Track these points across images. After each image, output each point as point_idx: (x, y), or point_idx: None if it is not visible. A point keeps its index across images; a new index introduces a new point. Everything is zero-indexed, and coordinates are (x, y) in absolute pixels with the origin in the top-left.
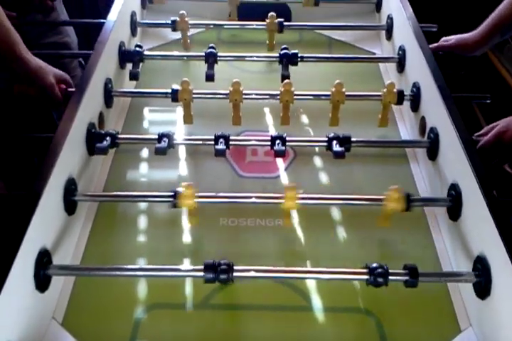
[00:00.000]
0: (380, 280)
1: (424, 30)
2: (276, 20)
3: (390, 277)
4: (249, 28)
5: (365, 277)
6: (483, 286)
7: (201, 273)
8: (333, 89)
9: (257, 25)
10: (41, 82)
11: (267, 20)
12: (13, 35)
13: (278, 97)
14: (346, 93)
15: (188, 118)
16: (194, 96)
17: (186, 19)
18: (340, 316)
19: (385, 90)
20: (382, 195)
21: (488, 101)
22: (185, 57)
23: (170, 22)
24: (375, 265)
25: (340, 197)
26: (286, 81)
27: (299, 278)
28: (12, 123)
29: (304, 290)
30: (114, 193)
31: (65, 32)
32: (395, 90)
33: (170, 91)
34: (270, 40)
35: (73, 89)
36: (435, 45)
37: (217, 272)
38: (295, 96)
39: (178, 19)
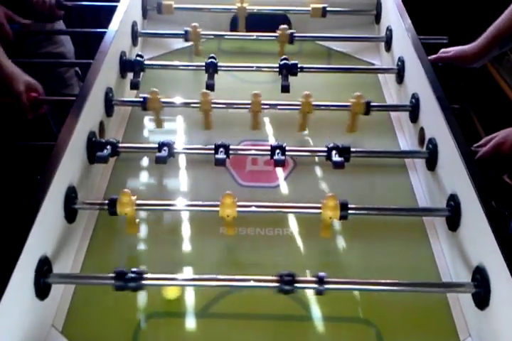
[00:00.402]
0: (287, 287)
1: (435, 42)
2: (287, 32)
3: (298, 285)
4: (258, 39)
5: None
6: (482, 297)
7: (201, 283)
8: (354, 100)
9: (267, 36)
10: (11, 88)
11: (279, 32)
12: None
13: (278, 107)
14: (344, 103)
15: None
16: (194, 106)
17: (198, 30)
18: (339, 326)
19: (353, 100)
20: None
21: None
22: (185, 67)
23: (183, 32)
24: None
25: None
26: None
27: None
28: (9, 130)
29: (304, 300)
30: None
31: (60, 42)
32: (362, 101)
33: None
34: (281, 50)
35: (47, 98)
36: (434, 56)
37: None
38: (293, 107)
39: (190, 30)
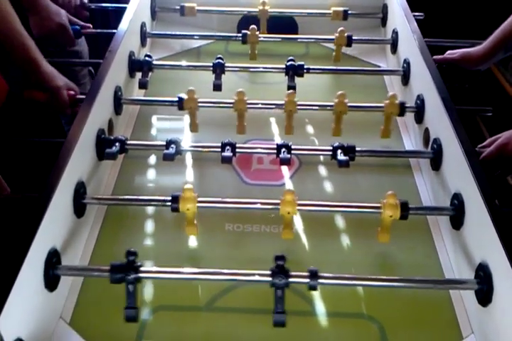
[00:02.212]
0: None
1: (440, 44)
2: (345, 34)
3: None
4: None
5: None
6: (485, 294)
7: (206, 276)
8: (336, 100)
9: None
10: (50, 85)
11: (336, 35)
12: (28, 40)
13: (283, 107)
14: (349, 104)
15: (193, 127)
16: (200, 105)
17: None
18: (343, 321)
19: (387, 102)
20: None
21: (490, 114)
22: (193, 68)
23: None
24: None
25: (341, 204)
26: (290, 91)
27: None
28: (21, 127)
29: (308, 295)
30: (123, 197)
31: (75, 41)
32: (397, 102)
33: (176, 99)
34: (337, 53)
35: (82, 97)
36: (439, 57)
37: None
38: (300, 107)
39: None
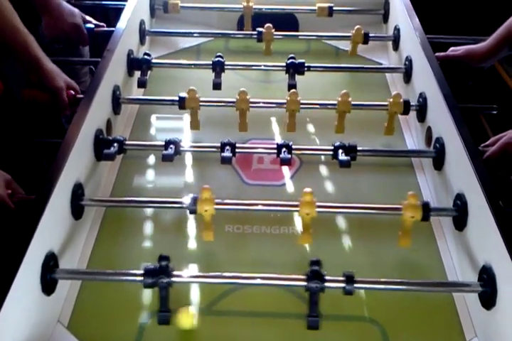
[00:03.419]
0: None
1: (443, 41)
2: (362, 31)
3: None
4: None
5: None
6: (488, 296)
7: (207, 280)
8: (339, 99)
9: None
10: (51, 84)
11: (353, 32)
12: (29, 37)
13: (285, 106)
14: (352, 102)
15: (195, 125)
16: (201, 104)
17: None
18: (344, 324)
19: (391, 100)
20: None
21: (495, 112)
22: (192, 66)
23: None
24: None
25: (351, 205)
26: (293, 90)
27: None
28: (22, 127)
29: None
30: (121, 198)
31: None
32: (401, 101)
33: (177, 98)
34: (353, 50)
35: (81, 96)
36: (443, 54)
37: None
38: (301, 105)
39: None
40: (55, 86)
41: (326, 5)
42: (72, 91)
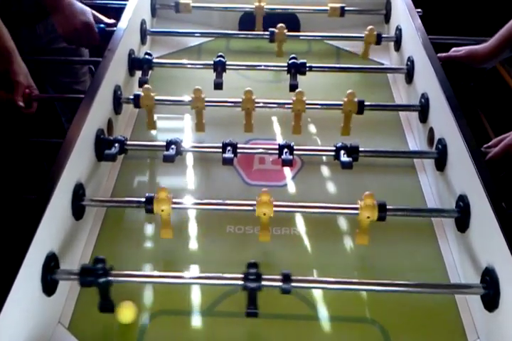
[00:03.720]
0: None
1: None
2: (375, 32)
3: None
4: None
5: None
6: (491, 298)
7: (207, 281)
8: (346, 99)
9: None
10: (15, 77)
11: (366, 32)
12: (3, 29)
13: (287, 106)
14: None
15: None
16: (207, 104)
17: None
18: (346, 326)
19: (345, 99)
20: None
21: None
22: (194, 66)
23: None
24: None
25: (310, 205)
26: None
27: (304, 288)
28: (21, 127)
29: (310, 299)
30: (122, 199)
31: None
32: (355, 99)
33: (178, 98)
34: (366, 50)
35: (37, 93)
36: (444, 54)
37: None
38: (306, 106)
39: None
40: (17, 80)
41: (338, 5)
42: (28, 90)
